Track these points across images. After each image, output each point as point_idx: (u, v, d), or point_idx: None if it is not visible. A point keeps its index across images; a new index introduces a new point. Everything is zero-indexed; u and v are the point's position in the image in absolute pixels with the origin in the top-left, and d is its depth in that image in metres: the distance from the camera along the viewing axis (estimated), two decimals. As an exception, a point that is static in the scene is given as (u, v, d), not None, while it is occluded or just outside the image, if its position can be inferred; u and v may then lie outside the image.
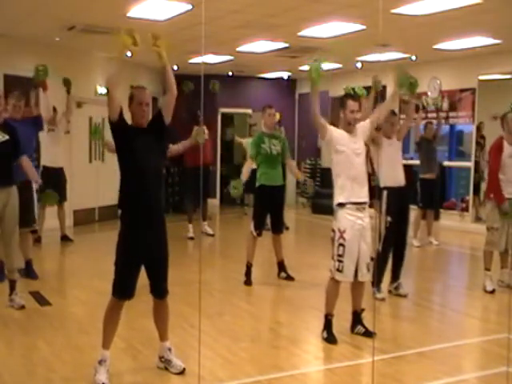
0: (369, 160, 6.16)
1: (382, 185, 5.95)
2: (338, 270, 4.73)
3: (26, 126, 6.13)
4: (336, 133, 4.82)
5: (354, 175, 4.72)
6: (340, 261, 4.70)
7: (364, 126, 4.92)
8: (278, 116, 7.52)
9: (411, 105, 6.41)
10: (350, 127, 4.81)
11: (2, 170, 5.44)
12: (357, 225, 4.71)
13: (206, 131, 9.80)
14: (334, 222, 4.77)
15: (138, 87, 4.18)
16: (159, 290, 4.11)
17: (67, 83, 7.89)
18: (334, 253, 4.74)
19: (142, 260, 3.98)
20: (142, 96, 4.04)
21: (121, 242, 3.97)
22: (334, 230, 4.76)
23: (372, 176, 6.29)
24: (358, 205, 4.72)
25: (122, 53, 3.88)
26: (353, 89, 6.14)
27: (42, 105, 6.58)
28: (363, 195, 4.77)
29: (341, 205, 4.73)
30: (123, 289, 3.97)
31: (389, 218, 5.87)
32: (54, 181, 8.71)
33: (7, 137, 5.41)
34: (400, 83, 5.48)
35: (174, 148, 6.59)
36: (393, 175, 5.94)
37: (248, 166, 6.77)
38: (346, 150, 4.74)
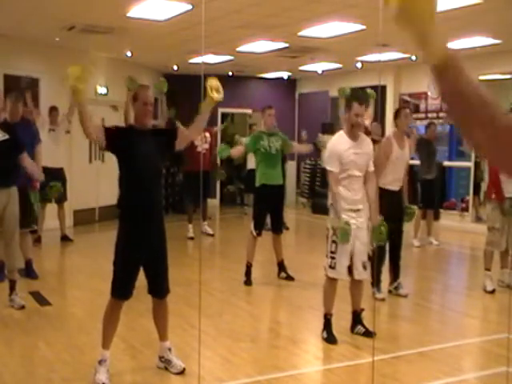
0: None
1: (378, 185, 5.94)
2: (330, 266, 4.75)
3: (24, 131, 6.08)
4: (338, 147, 4.76)
5: (346, 183, 4.73)
6: (332, 257, 4.72)
7: (370, 147, 4.92)
8: None
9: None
10: (353, 130, 4.79)
11: (2, 170, 5.44)
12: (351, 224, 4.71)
13: (209, 138, 9.80)
14: (328, 220, 4.81)
15: (143, 86, 4.19)
16: (160, 290, 4.11)
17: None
18: (327, 250, 4.76)
19: (140, 260, 3.99)
20: (146, 96, 4.03)
21: (120, 241, 3.98)
22: (328, 228, 4.78)
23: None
24: (353, 207, 4.74)
25: (81, 100, 3.74)
26: (362, 89, 6.16)
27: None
28: (357, 203, 4.77)
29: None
30: (122, 289, 3.98)
31: (380, 217, 5.85)
32: (55, 181, 8.70)
33: (7, 136, 5.41)
34: None
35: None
36: (393, 180, 5.92)
37: (238, 150, 6.82)
38: (344, 159, 4.73)
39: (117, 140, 3.95)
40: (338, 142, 4.79)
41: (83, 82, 3.61)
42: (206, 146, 9.65)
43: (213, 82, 4.01)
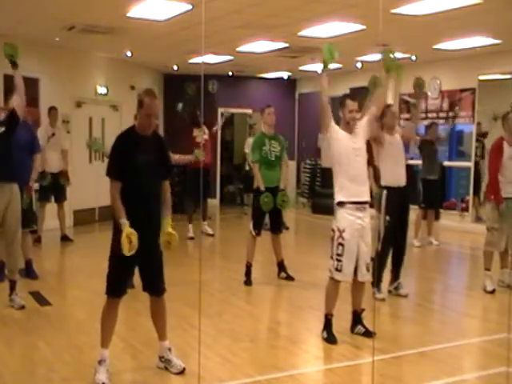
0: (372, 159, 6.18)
1: (382, 183, 5.95)
2: (336, 269, 4.74)
3: (24, 133, 6.04)
4: (337, 133, 4.82)
5: (353, 175, 4.72)
6: (339, 260, 4.71)
7: (363, 125, 4.92)
8: None
9: (418, 103, 6.66)
10: (349, 126, 4.82)
11: (3, 164, 5.39)
12: (356, 224, 4.71)
13: (207, 131, 9.82)
14: (334, 222, 4.78)
15: (149, 94, 4.04)
16: (157, 288, 4.12)
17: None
18: (333, 252, 4.75)
19: (135, 260, 3.97)
20: (151, 107, 3.97)
21: (115, 243, 3.97)
22: (333, 230, 4.77)
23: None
24: (358, 204, 4.73)
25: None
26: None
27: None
28: (363, 195, 4.77)
29: (341, 204, 4.74)
30: (117, 287, 3.99)
31: (388, 218, 5.88)
32: (53, 184, 8.72)
33: (4, 128, 5.35)
34: (386, 67, 5.41)
35: (174, 159, 7.09)
36: (394, 174, 5.93)
37: (258, 174, 6.72)
38: (345, 149, 4.75)
39: (126, 158, 4.00)
40: (337, 130, 4.85)
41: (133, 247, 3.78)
42: (206, 136, 9.68)
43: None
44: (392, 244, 6.02)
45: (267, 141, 6.75)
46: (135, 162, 3.95)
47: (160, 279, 4.12)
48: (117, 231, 3.97)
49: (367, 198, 4.80)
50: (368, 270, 4.85)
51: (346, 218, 4.71)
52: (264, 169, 6.72)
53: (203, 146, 9.52)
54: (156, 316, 4.20)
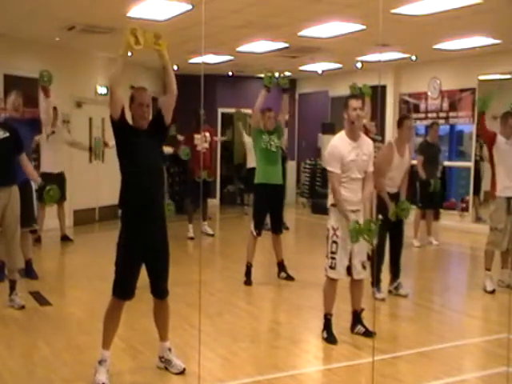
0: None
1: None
2: (330, 267, 4.75)
3: (23, 126, 6.10)
4: (340, 148, 4.73)
5: (348, 187, 4.72)
6: (333, 258, 4.73)
7: (371, 153, 4.87)
8: (286, 117, 7.53)
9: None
10: (353, 126, 4.74)
11: (3, 168, 5.44)
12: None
13: (208, 137, 9.81)
14: (329, 221, 4.81)
15: (139, 88, 4.19)
16: (159, 291, 4.11)
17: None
18: (328, 250, 4.77)
19: (142, 260, 3.98)
20: (142, 97, 4.05)
21: (121, 242, 3.97)
22: (328, 229, 4.79)
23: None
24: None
25: (126, 52, 3.89)
26: (359, 88, 6.31)
27: (42, 108, 6.42)
28: (355, 204, 4.75)
29: (334, 204, 4.76)
30: (124, 289, 3.97)
31: (380, 216, 5.86)
32: (51, 185, 8.70)
33: (8, 134, 5.43)
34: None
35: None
36: (391, 180, 5.92)
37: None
38: (346, 160, 4.70)
39: (125, 125, 3.95)
40: (339, 144, 4.77)
41: (140, 42, 3.78)
42: (206, 145, 9.68)
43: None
44: (385, 242, 6.02)
45: (266, 134, 6.72)
46: (134, 156, 3.93)
47: (164, 282, 4.10)
48: (123, 232, 3.97)
49: (359, 207, 4.79)
50: (364, 267, 4.85)
51: (339, 217, 4.71)
52: (264, 163, 6.67)
53: (204, 154, 9.51)
54: (159, 318, 4.19)
